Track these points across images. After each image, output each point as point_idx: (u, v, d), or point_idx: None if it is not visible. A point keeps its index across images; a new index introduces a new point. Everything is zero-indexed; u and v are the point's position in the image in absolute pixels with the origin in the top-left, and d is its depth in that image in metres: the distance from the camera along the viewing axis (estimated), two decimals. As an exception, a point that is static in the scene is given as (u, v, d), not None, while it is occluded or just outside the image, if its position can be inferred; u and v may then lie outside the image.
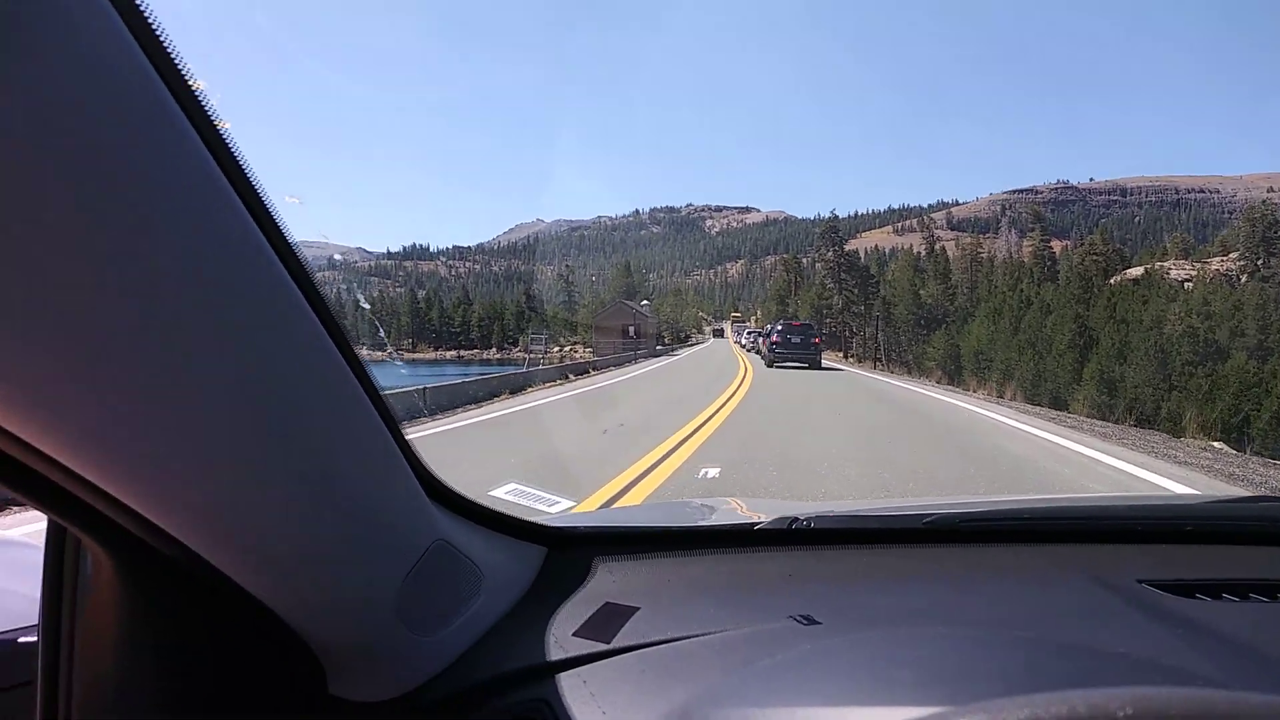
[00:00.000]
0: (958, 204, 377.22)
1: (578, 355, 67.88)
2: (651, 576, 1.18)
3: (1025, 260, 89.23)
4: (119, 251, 0.45)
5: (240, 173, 0.52)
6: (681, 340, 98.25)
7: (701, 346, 75.57)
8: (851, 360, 67.09)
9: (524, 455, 8.05)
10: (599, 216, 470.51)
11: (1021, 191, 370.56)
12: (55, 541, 0.74)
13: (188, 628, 0.75)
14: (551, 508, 5.58)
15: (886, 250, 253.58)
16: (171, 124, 0.46)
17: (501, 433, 10.26)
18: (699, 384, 20.14)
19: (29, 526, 5.79)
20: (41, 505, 0.61)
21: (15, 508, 7.57)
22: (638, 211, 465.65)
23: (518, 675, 0.93)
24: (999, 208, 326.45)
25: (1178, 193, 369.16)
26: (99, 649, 0.73)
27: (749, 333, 75.34)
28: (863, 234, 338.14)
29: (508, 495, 5.82)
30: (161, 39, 0.45)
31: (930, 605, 1.09)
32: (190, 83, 0.47)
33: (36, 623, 0.93)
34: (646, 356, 42.38)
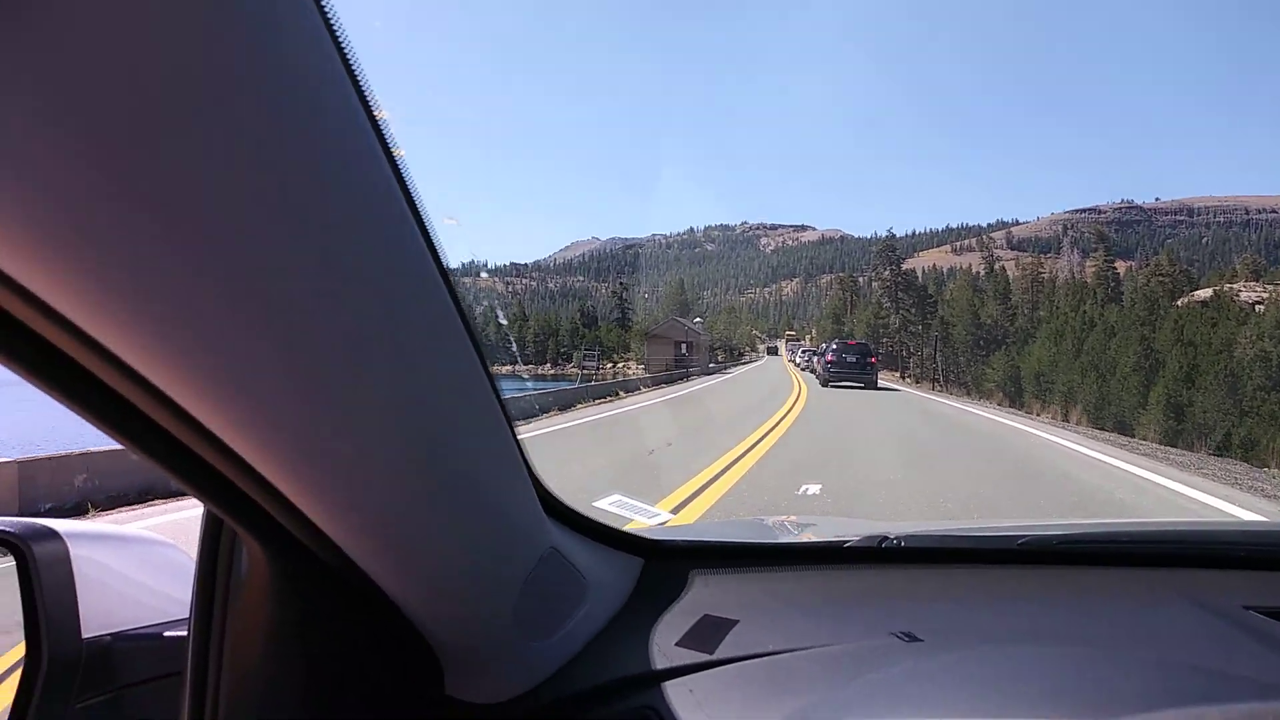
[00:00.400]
0: (1018, 223, 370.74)
1: (630, 371, 67.83)
2: (747, 590, 1.20)
3: (1088, 281, 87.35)
4: (317, 262, 0.47)
5: (411, 197, 0.55)
6: (735, 358, 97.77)
7: (755, 364, 75.26)
8: (908, 381, 66.30)
9: (572, 472, 7.92)
10: (654, 234, 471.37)
11: (1084, 211, 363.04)
12: (210, 539, 0.77)
13: (331, 628, 0.78)
14: (651, 520, 5.72)
15: (944, 270, 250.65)
16: (369, 153, 0.49)
17: (557, 447, 10.14)
18: (751, 403, 19.92)
19: (144, 522, 5.80)
20: (213, 502, 0.64)
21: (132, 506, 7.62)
22: (692, 229, 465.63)
23: (624, 682, 0.95)
24: (1061, 227, 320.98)
25: (1248, 213, 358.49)
26: (248, 644, 0.76)
27: (804, 351, 74.95)
28: (920, 253, 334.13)
29: (610, 506, 5.94)
30: (357, 73, 0.48)
31: (1034, 625, 1.09)
32: (377, 114, 0.49)
33: (179, 618, 1.02)
34: (699, 374, 42.21)
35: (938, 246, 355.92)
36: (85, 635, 0.96)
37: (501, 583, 0.84)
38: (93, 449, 10.71)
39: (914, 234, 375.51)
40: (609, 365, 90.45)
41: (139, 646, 1.00)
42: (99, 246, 0.39)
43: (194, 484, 0.61)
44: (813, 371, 42.04)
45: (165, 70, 0.36)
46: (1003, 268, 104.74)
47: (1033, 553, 1.28)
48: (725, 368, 60.69)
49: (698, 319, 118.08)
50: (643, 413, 16.51)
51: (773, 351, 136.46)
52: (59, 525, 1.02)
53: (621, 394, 22.46)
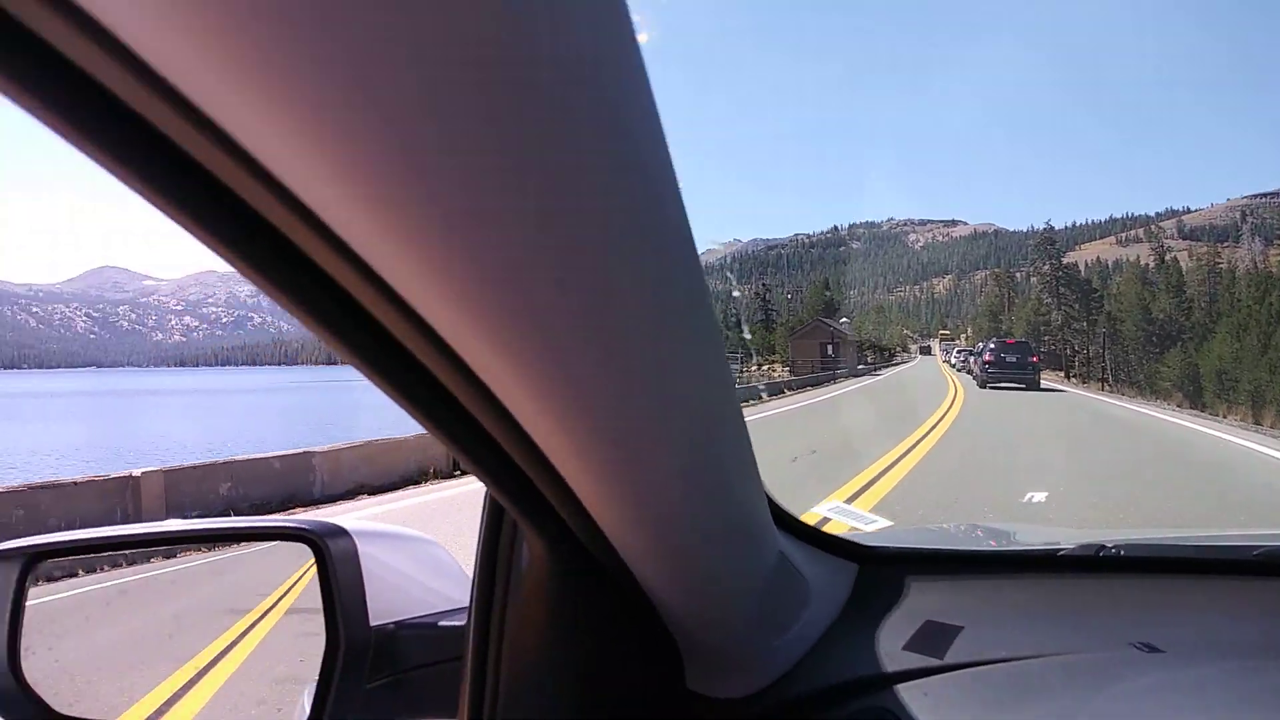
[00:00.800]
0: (1189, 211, 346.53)
1: (775, 374, 66.98)
2: (966, 597, 1.19)
3: (1273, 271, 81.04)
4: (631, 266, 0.49)
5: (686, 216, 0.56)
6: (885, 359, 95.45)
7: (906, 365, 73.62)
8: (1073, 380, 63.35)
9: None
10: (796, 234, 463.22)
11: (1265, 196, 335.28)
12: (491, 533, 0.83)
13: (599, 624, 0.83)
14: (867, 525, 5.66)
15: (1109, 262, 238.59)
16: (668, 178, 0.50)
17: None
18: (902, 406, 19.18)
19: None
20: (506, 494, 0.69)
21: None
22: (836, 228, 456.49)
23: (856, 684, 0.96)
24: (1239, 214, 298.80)
25: None
26: (526, 634, 0.81)
27: (959, 351, 72.71)
28: (1082, 246, 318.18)
29: (827, 512, 6.06)
30: (658, 112, 0.49)
31: None
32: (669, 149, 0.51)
33: (449, 609, 1.14)
34: (846, 376, 41.18)
35: (1101, 238, 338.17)
36: (373, 623, 1.05)
37: (750, 583, 0.87)
38: (236, 458, 11.03)
39: (1074, 225, 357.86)
40: (753, 367, 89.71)
41: (418, 634, 1.08)
42: (454, 238, 0.41)
43: (493, 477, 0.65)
44: (969, 372, 40.67)
45: (543, 101, 0.38)
46: (1174, 259, 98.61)
47: (1270, 564, 1.21)
48: (875, 369, 59.39)
49: (844, 319, 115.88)
50: (787, 417, 16.06)
51: (925, 351, 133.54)
52: (347, 524, 1.11)
53: (765, 397, 21.98)
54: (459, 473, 13.23)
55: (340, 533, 1.08)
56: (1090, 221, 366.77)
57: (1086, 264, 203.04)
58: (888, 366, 70.22)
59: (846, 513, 6.10)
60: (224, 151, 0.38)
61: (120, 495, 9.09)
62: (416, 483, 12.35)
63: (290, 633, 1.33)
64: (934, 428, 12.84)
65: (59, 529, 9.10)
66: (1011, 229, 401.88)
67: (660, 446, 0.62)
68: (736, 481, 0.76)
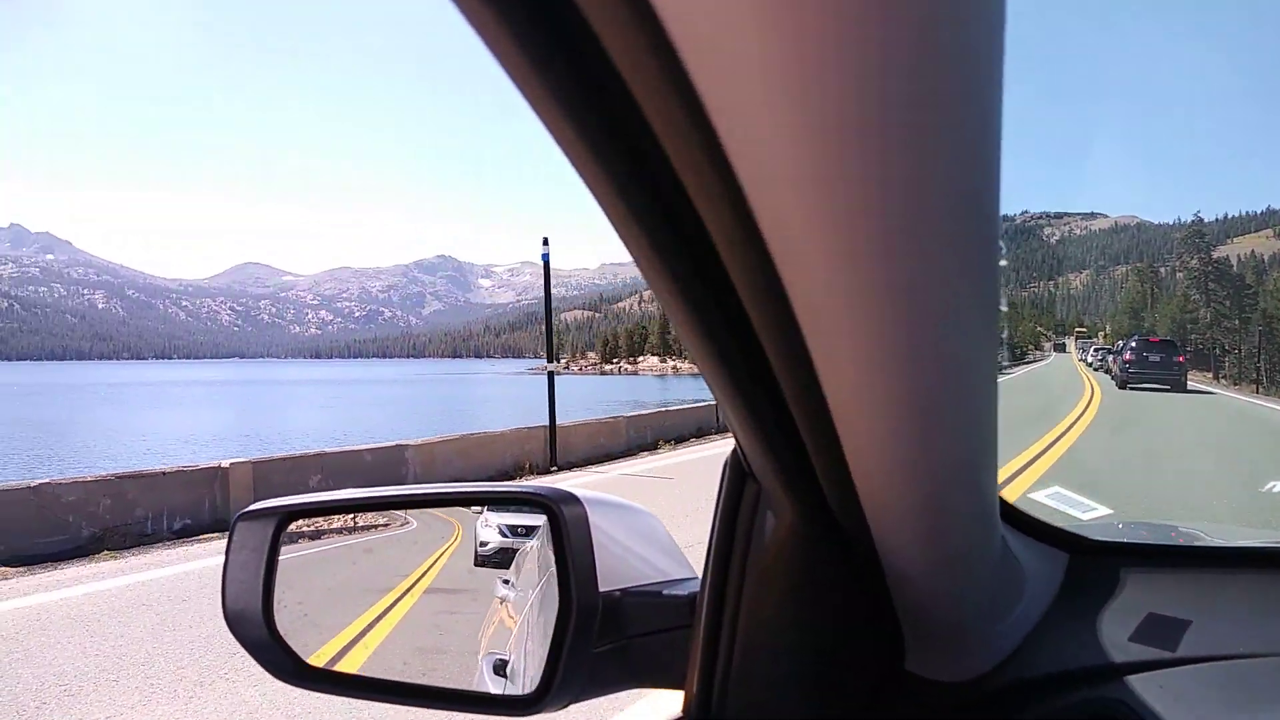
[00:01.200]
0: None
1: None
2: (1188, 591, 1.13)
3: None
4: (961, 252, 0.50)
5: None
6: (1017, 357, 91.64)
7: (1039, 365, 70.46)
8: (1224, 382, 59.45)
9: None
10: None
11: None
12: (730, 504, 0.85)
13: (838, 597, 0.83)
14: (1085, 514, 5.72)
15: (1265, 257, 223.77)
16: (996, 168, 0.49)
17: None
18: (1034, 404, 17.95)
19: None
20: (775, 455, 0.70)
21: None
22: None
23: (1080, 673, 0.94)
24: None
25: None
26: (764, 603, 0.83)
27: (1096, 350, 69.30)
28: (1234, 239, 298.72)
29: (1047, 499, 6.10)
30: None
31: None
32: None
33: (667, 579, 1.17)
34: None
35: (1256, 231, 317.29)
36: (601, 589, 1.07)
37: (982, 565, 0.86)
38: (327, 450, 10.91)
39: (1226, 218, 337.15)
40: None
41: (642, 602, 1.10)
42: (851, 216, 0.42)
43: (769, 441, 0.67)
44: (1106, 371, 38.42)
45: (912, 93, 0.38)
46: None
47: None
48: (1004, 368, 56.83)
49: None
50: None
51: (1060, 349, 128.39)
52: (579, 491, 1.15)
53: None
54: (555, 468, 13.02)
55: (573, 500, 1.11)
56: (1244, 213, 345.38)
57: (1239, 258, 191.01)
58: (1018, 365, 67.35)
59: (1066, 499, 6.02)
60: (703, 151, 0.39)
61: (209, 486, 9.08)
62: (511, 477, 12.15)
63: (430, 610, 1.47)
64: (1071, 427, 11.86)
65: (145, 519, 9.28)
66: (1156, 222, 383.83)
67: (943, 423, 0.62)
68: (983, 463, 0.75)
